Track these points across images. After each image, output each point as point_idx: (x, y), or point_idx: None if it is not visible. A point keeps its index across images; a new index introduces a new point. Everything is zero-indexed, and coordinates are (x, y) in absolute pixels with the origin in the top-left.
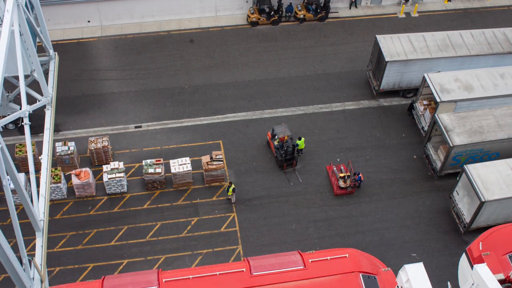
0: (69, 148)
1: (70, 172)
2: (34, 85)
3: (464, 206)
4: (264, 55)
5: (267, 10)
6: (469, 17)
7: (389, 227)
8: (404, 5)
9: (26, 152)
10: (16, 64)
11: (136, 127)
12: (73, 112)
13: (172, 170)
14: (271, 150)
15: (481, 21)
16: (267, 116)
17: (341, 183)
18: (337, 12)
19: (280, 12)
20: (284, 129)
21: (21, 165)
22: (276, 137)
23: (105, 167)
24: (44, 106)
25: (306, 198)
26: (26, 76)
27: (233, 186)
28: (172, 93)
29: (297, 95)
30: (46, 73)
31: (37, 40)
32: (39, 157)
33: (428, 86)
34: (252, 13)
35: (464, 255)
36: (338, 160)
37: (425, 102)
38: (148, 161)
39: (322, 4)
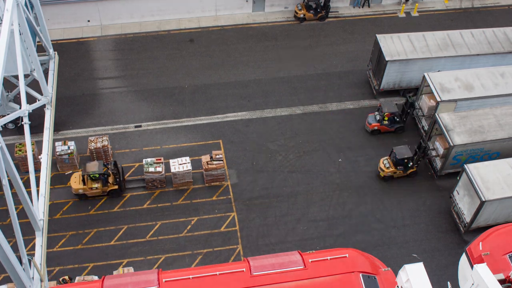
0: (69, 147)
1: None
2: (34, 84)
3: (465, 206)
4: (264, 54)
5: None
6: (469, 17)
7: (389, 227)
8: (404, 5)
9: (25, 151)
10: (16, 64)
11: (136, 126)
12: (73, 111)
13: (172, 170)
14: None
15: (482, 21)
16: (267, 115)
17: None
18: (337, 12)
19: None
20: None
21: (21, 165)
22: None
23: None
24: (44, 106)
25: (306, 198)
26: (25, 76)
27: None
28: (172, 92)
29: (297, 95)
30: (46, 73)
31: (37, 39)
32: (39, 157)
33: (429, 86)
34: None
35: (464, 255)
36: (340, 160)
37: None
38: (149, 160)
39: (322, 4)
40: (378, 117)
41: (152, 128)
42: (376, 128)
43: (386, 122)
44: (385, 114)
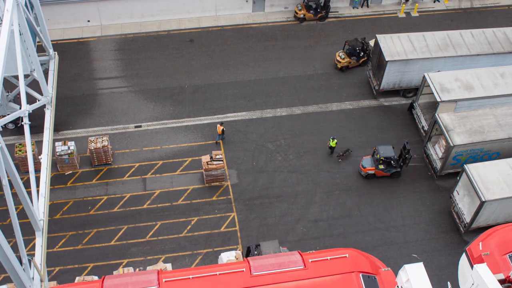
0: (69, 147)
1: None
2: (34, 84)
3: (465, 206)
4: (264, 54)
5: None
6: (469, 17)
7: (389, 227)
8: (404, 5)
9: (26, 152)
10: (16, 64)
11: (136, 126)
12: (73, 111)
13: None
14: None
15: (481, 21)
16: (267, 115)
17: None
18: (337, 12)
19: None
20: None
21: (21, 165)
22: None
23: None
24: (44, 106)
25: (306, 198)
26: (26, 76)
27: None
28: (172, 92)
29: (297, 95)
30: (46, 73)
31: (37, 39)
32: (39, 157)
33: (428, 86)
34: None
35: (464, 255)
36: (340, 160)
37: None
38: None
39: (322, 4)
40: (373, 161)
41: (152, 128)
42: (371, 172)
43: (382, 167)
44: (381, 158)
